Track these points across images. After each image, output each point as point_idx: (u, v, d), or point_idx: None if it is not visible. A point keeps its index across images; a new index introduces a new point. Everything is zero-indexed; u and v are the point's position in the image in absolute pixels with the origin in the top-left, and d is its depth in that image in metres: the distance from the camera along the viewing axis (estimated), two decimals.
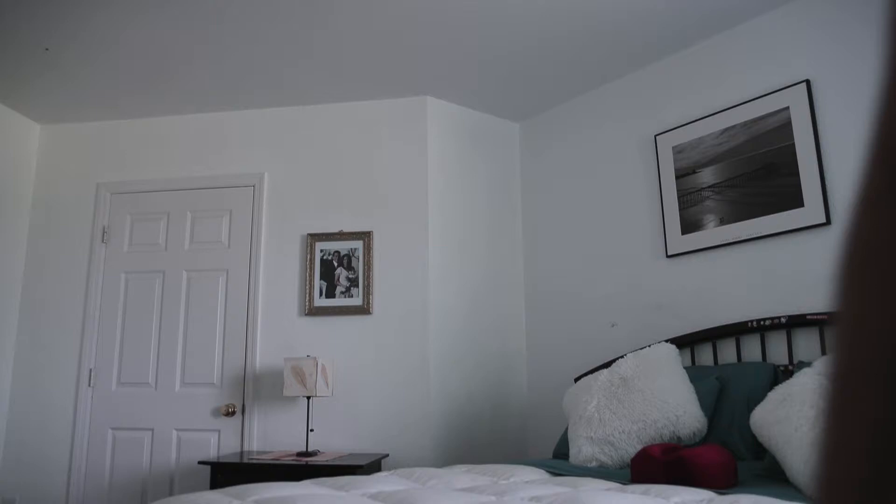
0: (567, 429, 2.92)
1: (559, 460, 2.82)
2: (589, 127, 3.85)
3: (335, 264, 3.73)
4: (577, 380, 3.33)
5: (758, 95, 3.02)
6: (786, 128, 2.89)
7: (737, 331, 2.93)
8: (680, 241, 3.27)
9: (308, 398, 3.40)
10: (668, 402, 2.60)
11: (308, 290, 3.71)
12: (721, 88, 3.20)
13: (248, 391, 3.65)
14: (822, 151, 2.78)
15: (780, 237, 2.89)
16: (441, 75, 3.65)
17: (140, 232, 3.94)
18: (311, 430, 3.41)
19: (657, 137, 3.43)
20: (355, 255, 3.72)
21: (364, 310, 3.64)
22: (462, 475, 2.27)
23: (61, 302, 3.89)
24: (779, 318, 2.77)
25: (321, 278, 3.72)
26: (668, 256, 3.32)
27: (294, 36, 3.22)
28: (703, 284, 3.15)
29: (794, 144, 2.86)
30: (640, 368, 2.77)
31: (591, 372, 3.30)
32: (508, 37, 3.26)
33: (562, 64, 3.55)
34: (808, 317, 2.67)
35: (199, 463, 3.29)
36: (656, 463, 2.18)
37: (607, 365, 3.09)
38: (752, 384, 2.59)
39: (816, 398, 2.04)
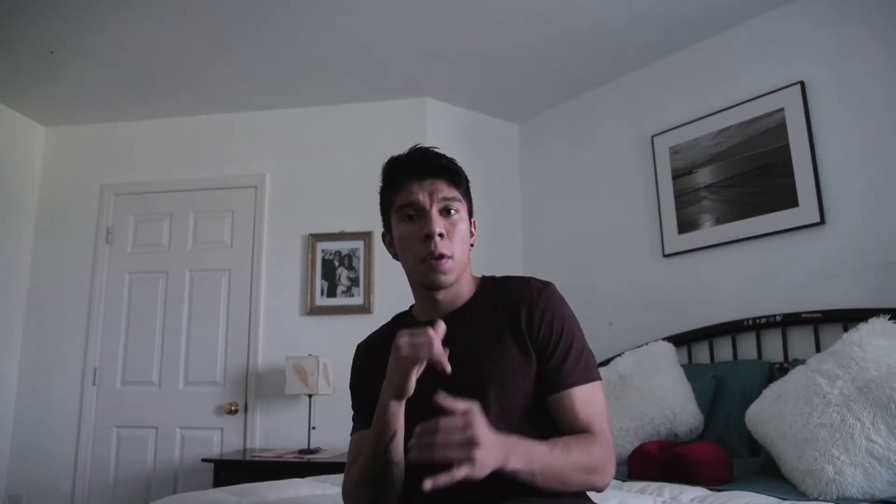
0: None
1: None
2: (587, 128, 3.88)
3: (336, 264, 3.77)
4: None
5: (753, 97, 3.06)
6: (781, 129, 2.93)
7: (733, 329, 2.97)
8: (677, 241, 3.30)
9: (310, 396, 3.44)
10: (666, 399, 2.63)
11: (309, 290, 3.74)
12: (717, 90, 3.23)
13: (251, 389, 3.69)
14: (816, 152, 2.82)
15: (775, 237, 2.92)
16: (441, 77, 3.68)
17: (144, 232, 3.98)
18: (313, 428, 3.44)
19: (654, 138, 3.46)
20: (356, 254, 3.76)
21: (365, 309, 3.68)
22: None
23: (66, 302, 3.92)
24: (774, 316, 2.81)
25: (322, 278, 3.76)
26: (664, 256, 3.36)
27: (295, 38, 3.25)
28: (700, 283, 3.19)
29: (788, 145, 2.89)
30: (638, 367, 2.80)
31: None
32: (507, 38, 3.29)
33: (560, 65, 3.58)
34: (803, 315, 2.71)
35: (203, 460, 3.33)
36: (653, 460, 2.22)
37: (605, 363, 3.12)
38: (748, 382, 2.61)
39: (811, 395, 2.07)
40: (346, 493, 1.24)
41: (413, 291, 1.31)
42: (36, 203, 4.10)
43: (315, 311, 3.73)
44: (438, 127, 3.86)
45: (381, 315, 3.59)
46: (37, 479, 3.72)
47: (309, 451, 3.27)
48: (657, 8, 3.04)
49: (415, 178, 1.24)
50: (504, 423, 1.11)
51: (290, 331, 3.73)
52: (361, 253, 3.75)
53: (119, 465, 3.70)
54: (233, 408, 3.66)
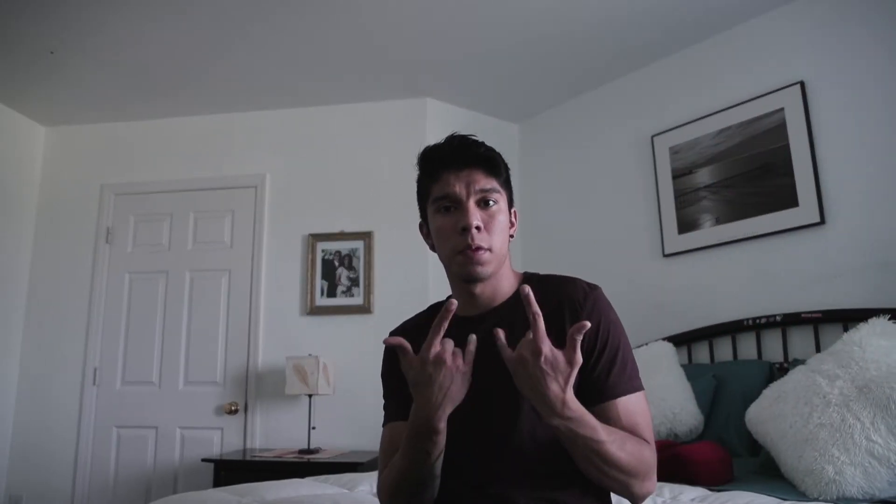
0: None
1: None
2: (587, 128, 3.88)
3: (336, 264, 3.77)
4: None
5: (753, 97, 3.06)
6: (781, 129, 2.93)
7: (733, 329, 2.97)
8: (676, 241, 3.30)
9: (310, 396, 3.44)
10: (666, 399, 2.64)
11: (309, 290, 3.75)
12: (717, 90, 3.23)
13: (251, 389, 3.69)
14: (816, 152, 2.82)
15: (775, 237, 2.92)
16: (441, 77, 3.68)
17: (144, 232, 3.98)
18: (313, 428, 3.44)
19: (654, 138, 3.47)
20: (356, 254, 3.76)
21: (365, 309, 3.68)
22: None
23: (66, 302, 3.92)
24: (774, 316, 2.81)
25: (322, 278, 3.76)
26: (664, 256, 3.36)
27: (295, 38, 3.25)
28: (700, 283, 3.19)
29: (788, 145, 2.89)
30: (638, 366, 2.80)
31: None
32: (507, 38, 3.29)
33: (560, 65, 3.58)
34: (803, 315, 2.71)
35: (203, 460, 3.33)
36: None
37: None
38: (748, 382, 2.61)
39: (811, 395, 2.08)
40: (381, 492, 1.20)
41: (451, 284, 1.25)
42: (36, 203, 4.10)
43: (315, 311, 3.73)
44: (438, 127, 3.86)
45: (381, 315, 3.64)
46: (37, 479, 3.72)
47: (309, 452, 3.28)
48: (657, 8, 3.04)
49: (451, 168, 1.19)
50: (541, 428, 1.10)
51: (290, 331, 3.73)
52: (361, 253, 3.75)
53: (119, 465, 3.70)
54: (233, 408, 3.66)
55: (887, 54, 2.67)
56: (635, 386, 1.17)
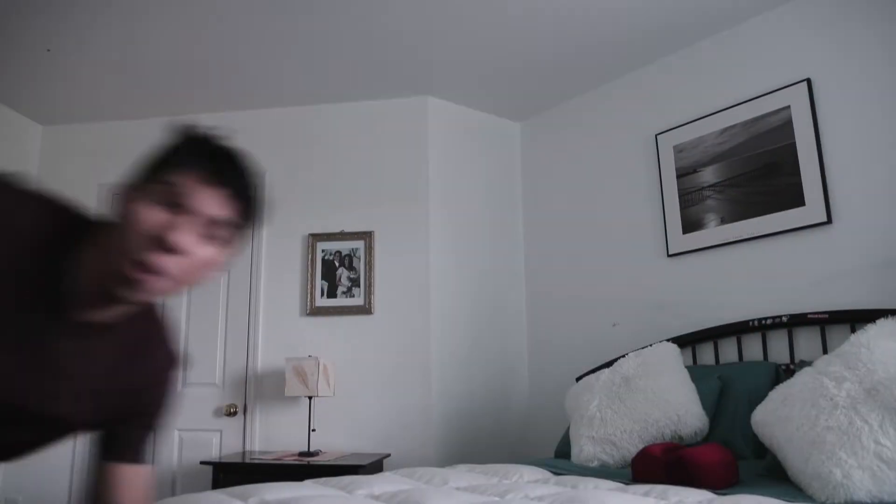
0: (568, 428, 2.93)
1: (561, 460, 2.82)
2: (590, 126, 3.85)
3: (336, 264, 3.74)
4: (578, 379, 3.33)
5: (758, 94, 3.03)
6: (787, 127, 2.90)
7: (738, 330, 2.94)
8: (681, 241, 3.27)
9: (310, 398, 3.41)
10: (670, 401, 2.60)
11: (309, 291, 3.72)
12: (722, 88, 3.20)
13: (250, 391, 3.66)
14: (822, 150, 2.79)
15: (780, 236, 2.89)
16: (442, 75, 3.65)
17: None
18: (313, 430, 3.42)
19: (658, 137, 3.43)
20: (356, 255, 3.73)
21: (365, 310, 3.65)
22: (464, 475, 2.28)
23: None
24: (780, 317, 2.78)
25: (322, 278, 3.73)
26: (669, 256, 3.33)
27: (295, 36, 3.22)
28: (705, 284, 3.16)
29: (794, 143, 2.86)
30: (642, 368, 2.77)
31: (593, 371, 3.30)
32: (509, 36, 3.26)
33: (563, 63, 3.56)
34: (809, 316, 2.68)
35: (202, 463, 3.30)
36: (657, 462, 2.19)
37: (609, 364, 3.09)
38: (754, 383, 2.59)
39: (818, 397, 2.05)
40: None
41: (85, 274, 1.01)
42: None
43: (315, 311, 3.70)
44: (439, 125, 3.84)
45: (382, 316, 3.61)
46: (33, 482, 3.68)
47: (309, 454, 3.24)
48: (661, 4, 3.01)
49: (214, 182, 0.98)
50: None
51: (290, 332, 3.70)
52: (362, 253, 3.72)
53: None
54: (232, 409, 3.63)
55: (895, 51, 2.64)
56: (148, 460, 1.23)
